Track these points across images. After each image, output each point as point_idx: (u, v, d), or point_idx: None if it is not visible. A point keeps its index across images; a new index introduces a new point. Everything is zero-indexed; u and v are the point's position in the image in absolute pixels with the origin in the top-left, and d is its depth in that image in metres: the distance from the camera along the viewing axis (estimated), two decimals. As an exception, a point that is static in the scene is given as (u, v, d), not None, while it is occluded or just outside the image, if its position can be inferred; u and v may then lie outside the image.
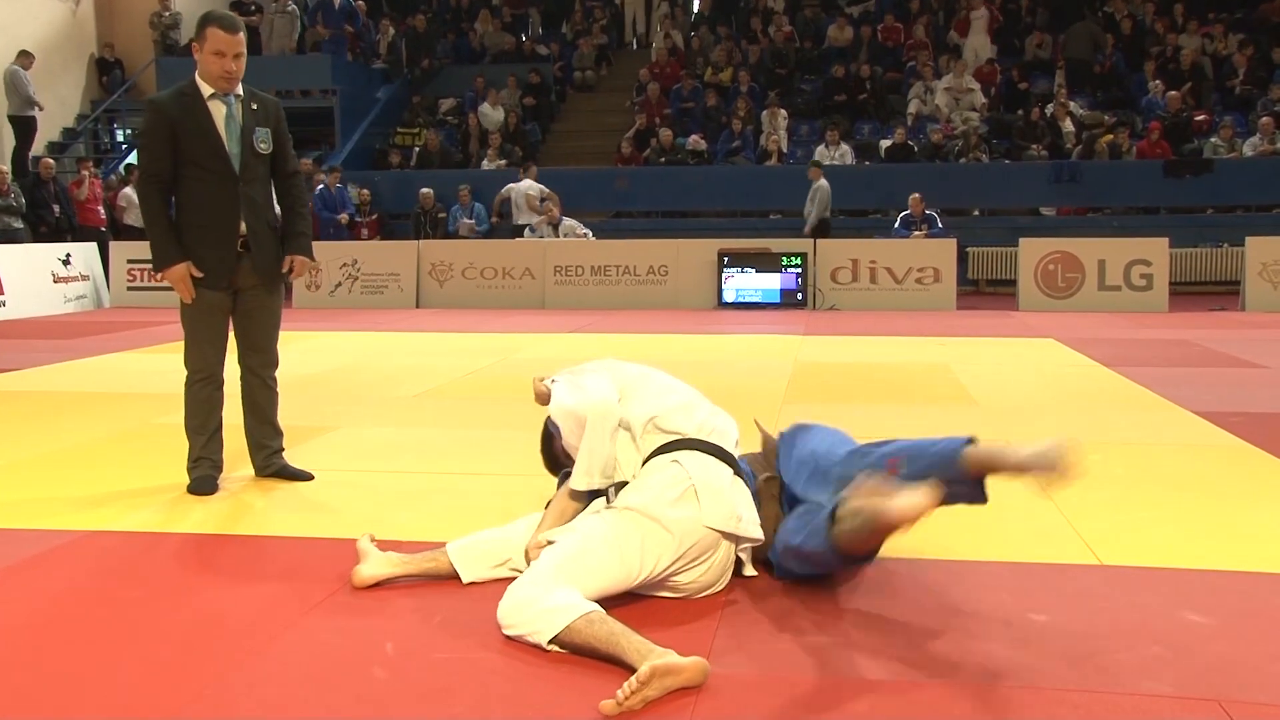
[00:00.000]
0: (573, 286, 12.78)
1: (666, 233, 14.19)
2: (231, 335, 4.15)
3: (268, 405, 4.21)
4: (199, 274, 3.95)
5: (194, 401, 4.06)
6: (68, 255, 12.76)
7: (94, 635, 2.67)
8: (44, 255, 12.57)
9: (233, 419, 4.17)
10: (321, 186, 14.48)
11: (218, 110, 3.94)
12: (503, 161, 15.93)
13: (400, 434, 5.20)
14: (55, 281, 12.54)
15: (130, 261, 13.18)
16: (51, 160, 14.38)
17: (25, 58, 15.03)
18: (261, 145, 4.01)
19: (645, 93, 16.98)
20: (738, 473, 2.94)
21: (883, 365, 7.54)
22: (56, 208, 13.72)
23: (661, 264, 12.71)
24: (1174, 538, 3.42)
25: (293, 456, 4.33)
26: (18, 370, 7.34)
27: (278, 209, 4.20)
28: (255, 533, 3.60)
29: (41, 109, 15.39)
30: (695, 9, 19.85)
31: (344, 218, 14.52)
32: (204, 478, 4.04)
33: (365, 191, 15.13)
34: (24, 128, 15.31)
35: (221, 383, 4.11)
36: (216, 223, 3.95)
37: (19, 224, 13.12)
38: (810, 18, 18.66)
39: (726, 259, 12.38)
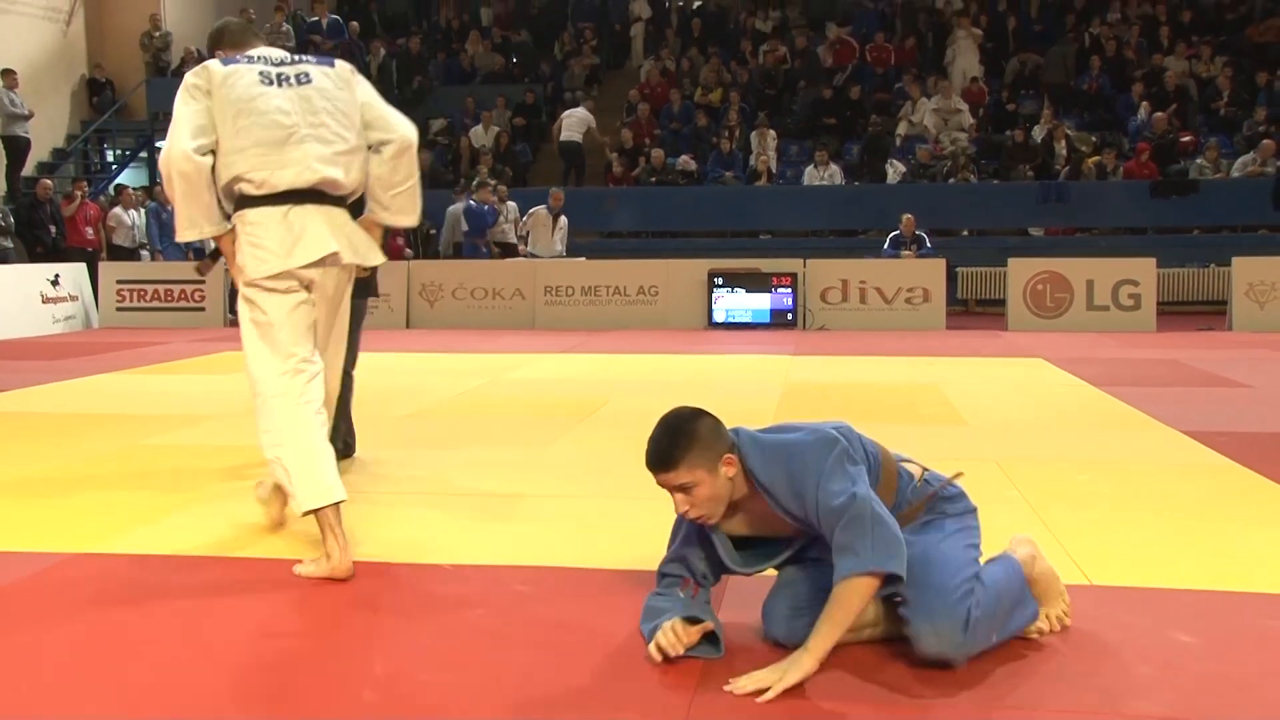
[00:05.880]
0: (563, 306, 12.80)
1: (656, 253, 14.22)
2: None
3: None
4: None
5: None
6: (56, 276, 12.73)
7: (79, 658, 2.66)
8: (33, 276, 12.53)
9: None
10: (472, 202, 14.08)
11: None
12: (494, 182, 15.95)
13: (390, 454, 5.19)
14: (44, 302, 12.50)
15: (120, 282, 13.17)
16: (50, 181, 14.37)
17: (9, 76, 15.03)
18: None
19: (636, 113, 17.06)
20: None
21: (872, 385, 7.55)
22: (53, 228, 13.74)
23: (651, 284, 12.73)
24: (1163, 557, 3.43)
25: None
26: (6, 391, 7.31)
27: None
28: (243, 554, 3.58)
29: (31, 114, 15.36)
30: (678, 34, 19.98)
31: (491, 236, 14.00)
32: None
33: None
34: (14, 147, 15.31)
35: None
36: None
37: (8, 243, 13.11)
38: (800, 40, 18.80)
39: (717, 279, 12.41)
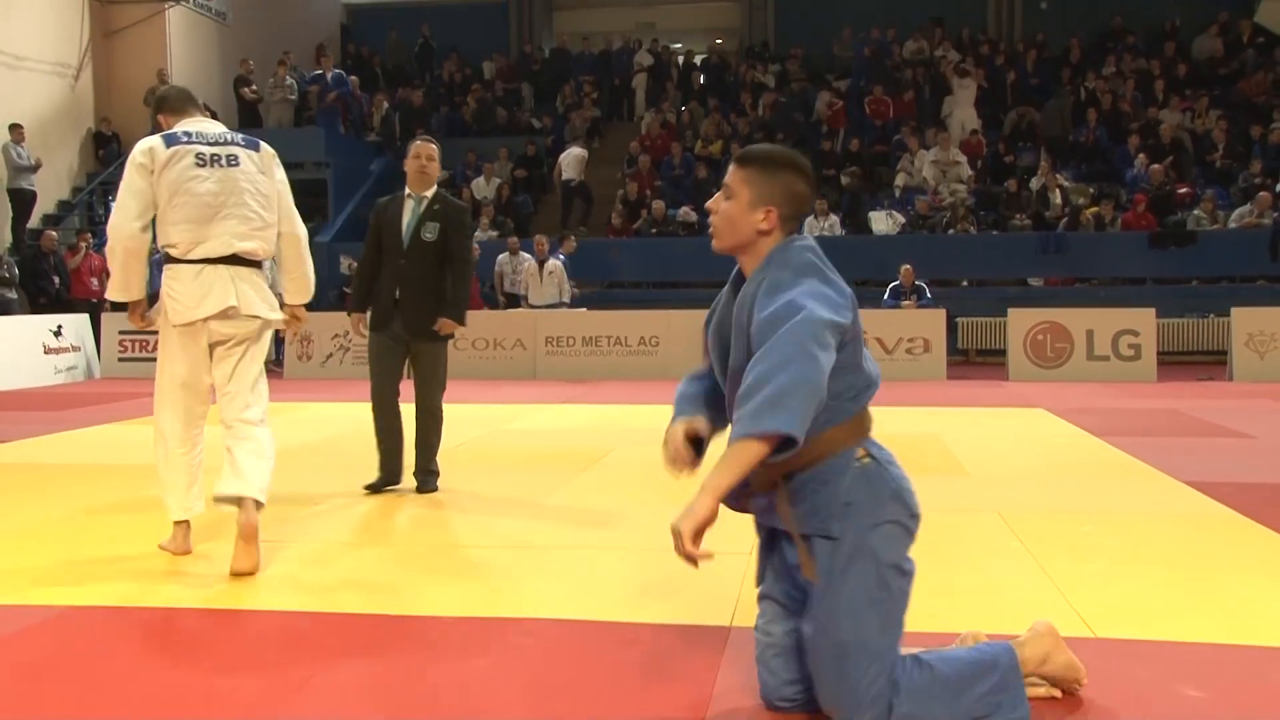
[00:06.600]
0: (564, 357, 12.82)
1: (657, 303, 14.27)
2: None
3: (424, 430, 5.44)
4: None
5: (376, 426, 5.40)
6: (59, 327, 12.78)
7: (74, 712, 2.63)
8: (35, 326, 12.58)
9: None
10: (561, 257, 13.91)
11: (408, 206, 5.33)
12: (495, 233, 16.08)
13: (390, 505, 5.18)
14: (46, 353, 12.53)
15: (122, 333, 13.20)
16: (55, 233, 14.48)
17: (16, 131, 15.22)
18: (427, 235, 5.25)
19: (637, 164, 17.22)
20: None
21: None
22: (56, 279, 13.82)
23: (653, 334, 12.76)
24: (1167, 610, 3.40)
25: (284, 530, 4.31)
26: (7, 442, 7.31)
27: None
28: (239, 606, 3.56)
29: (39, 164, 15.49)
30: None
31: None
32: (378, 482, 5.31)
33: (354, 264, 15.19)
34: (19, 200, 15.43)
35: (395, 411, 5.37)
36: (383, 285, 5.38)
37: (12, 294, 13.17)
38: (798, 90, 19.02)
39: (717, 329, 12.41)
